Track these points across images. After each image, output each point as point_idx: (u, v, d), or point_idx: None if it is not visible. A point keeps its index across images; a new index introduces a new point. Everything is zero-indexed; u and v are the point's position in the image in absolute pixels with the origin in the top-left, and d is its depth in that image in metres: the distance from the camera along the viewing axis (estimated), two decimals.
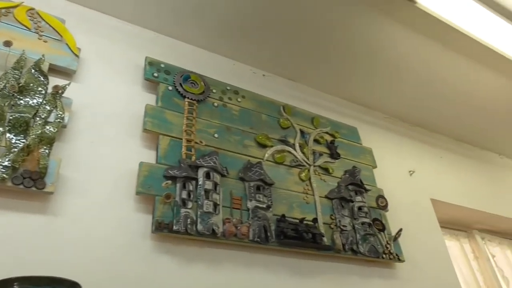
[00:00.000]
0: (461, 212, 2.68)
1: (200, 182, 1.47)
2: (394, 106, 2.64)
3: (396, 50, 2.16)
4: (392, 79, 2.39)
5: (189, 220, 1.36)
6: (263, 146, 1.82)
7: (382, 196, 2.06)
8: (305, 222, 1.66)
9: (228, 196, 1.55)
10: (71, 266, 1.15)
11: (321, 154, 2.03)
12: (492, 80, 2.42)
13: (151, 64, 1.69)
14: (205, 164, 1.51)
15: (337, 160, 2.07)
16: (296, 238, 1.58)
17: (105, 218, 1.29)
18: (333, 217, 1.82)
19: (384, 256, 1.82)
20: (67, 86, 1.35)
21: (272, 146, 1.84)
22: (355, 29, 2.01)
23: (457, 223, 2.84)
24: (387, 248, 1.87)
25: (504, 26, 1.99)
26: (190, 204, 1.41)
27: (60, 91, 1.34)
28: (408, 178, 2.47)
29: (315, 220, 1.72)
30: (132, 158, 1.44)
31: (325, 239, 1.70)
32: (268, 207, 1.59)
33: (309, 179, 1.88)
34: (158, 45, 1.85)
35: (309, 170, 1.91)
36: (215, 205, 1.46)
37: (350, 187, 1.98)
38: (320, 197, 1.85)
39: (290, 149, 1.91)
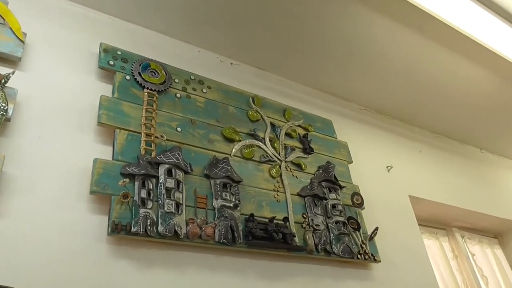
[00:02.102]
0: (441, 210, 2.76)
1: (161, 180, 1.47)
2: (371, 97, 2.68)
3: (373, 38, 2.19)
4: (369, 69, 2.43)
5: (149, 221, 1.36)
6: (230, 140, 1.82)
7: (357, 193, 2.08)
8: (275, 221, 1.67)
9: (192, 194, 1.55)
10: (12, 272, 1.13)
11: (293, 149, 2.03)
12: (474, 72, 2.48)
13: (107, 51, 1.67)
14: (167, 161, 1.51)
15: (310, 155, 2.08)
16: (266, 238, 1.59)
17: (54, 220, 1.27)
18: (305, 216, 1.84)
19: (359, 256, 1.85)
20: (10, 75, 1.33)
21: (240, 141, 1.85)
22: (329, 16, 2.03)
23: (436, 221, 2.92)
24: (362, 248, 1.89)
25: (486, 17, 2.03)
26: (150, 204, 1.40)
27: (2, 81, 1.31)
28: (385, 174, 2.51)
29: (286, 219, 1.73)
30: (85, 154, 1.43)
31: (296, 239, 1.71)
32: (236, 206, 1.60)
33: (280, 175, 1.89)
34: (114, 30, 1.83)
35: (280, 166, 1.92)
36: (178, 205, 1.46)
37: (323, 183, 2.00)
38: (292, 194, 1.87)
39: (260, 143, 1.92)
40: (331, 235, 1.84)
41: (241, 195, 1.69)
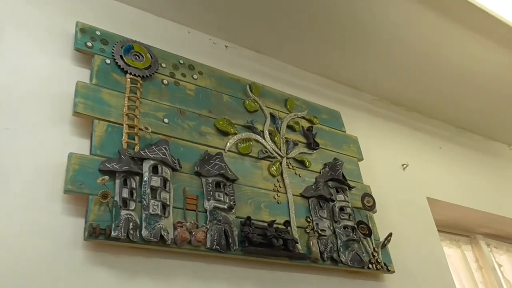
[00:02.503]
0: (463, 214, 2.76)
1: (145, 178, 1.47)
2: (385, 86, 2.68)
3: (388, 19, 2.19)
4: (383, 54, 2.42)
5: (131, 224, 1.35)
6: (225, 133, 1.83)
7: (369, 195, 2.08)
8: (275, 225, 1.67)
9: (181, 194, 1.55)
10: None
11: (296, 144, 2.04)
12: (504, 58, 2.48)
13: (84, 31, 1.67)
14: (152, 156, 1.51)
15: (315, 151, 2.09)
16: (264, 245, 1.59)
17: (22, 223, 1.26)
18: (309, 220, 1.84)
19: (370, 266, 1.86)
20: None
21: (235, 134, 1.85)
22: None
23: (458, 226, 2.93)
24: (374, 256, 1.89)
25: None
26: (132, 205, 1.40)
27: None
28: (400, 173, 2.52)
29: (287, 223, 1.73)
30: (59, 148, 1.42)
31: (299, 246, 1.71)
32: (230, 208, 1.60)
33: (281, 173, 1.90)
34: (92, 8, 1.83)
35: (281, 163, 1.93)
36: (164, 206, 1.46)
37: (330, 183, 2.00)
38: (294, 195, 1.87)
39: (258, 137, 1.93)
40: (339, 241, 1.85)
41: (237, 195, 1.69)
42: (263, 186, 1.81)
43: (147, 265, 1.40)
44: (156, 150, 1.53)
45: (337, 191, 1.99)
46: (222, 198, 1.61)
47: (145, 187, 1.45)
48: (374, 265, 1.87)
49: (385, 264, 1.92)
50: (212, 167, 1.66)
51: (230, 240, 1.54)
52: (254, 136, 1.92)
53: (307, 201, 1.90)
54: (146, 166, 1.49)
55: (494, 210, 2.81)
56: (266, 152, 1.92)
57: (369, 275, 1.92)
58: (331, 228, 1.87)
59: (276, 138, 1.99)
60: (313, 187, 1.95)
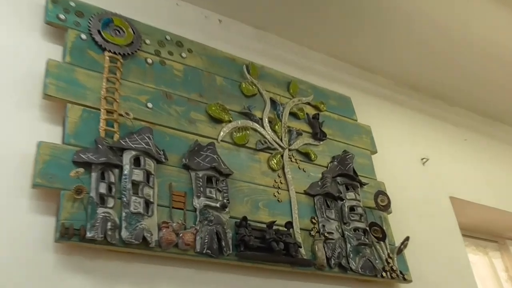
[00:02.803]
0: (491, 216, 2.77)
1: (125, 171, 1.47)
2: (403, 69, 2.66)
3: None
4: (401, 32, 2.41)
5: (109, 224, 1.35)
6: (218, 121, 1.83)
7: (383, 193, 2.08)
8: (275, 227, 1.67)
9: (167, 190, 1.55)
10: None
11: (299, 134, 2.04)
12: None
13: (56, 1, 1.66)
14: (134, 146, 1.50)
15: (322, 142, 2.09)
16: (262, 249, 1.60)
17: None
18: (314, 221, 1.85)
19: (384, 274, 1.86)
20: None
21: (230, 122, 1.86)
22: None
23: (485, 230, 2.94)
24: (388, 263, 1.90)
25: None
26: (111, 202, 1.40)
27: None
28: (419, 169, 2.51)
29: (289, 224, 1.74)
30: (27, 136, 1.41)
31: (302, 250, 1.72)
32: (223, 206, 1.60)
33: (283, 168, 1.91)
34: None
35: (282, 156, 1.93)
36: (148, 204, 1.46)
37: (339, 179, 2.01)
38: (298, 193, 1.88)
39: (256, 125, 1.93)
40: (348, 246, 1.85)
41: (231, 192, 1.69)
42: (261, 182, 1.82)
43: (128, 271, 1.40)
44: (138, 139, 1.53)
45: (347, 189, 1.99)
46: (214, 195, 1.61)
47: (126, 182, 1.46)
48: (388, 273, 1.87)
49: (401, 273, 1.92)
50: (202, 160, 1.66)
51: (223, 244, 1.54)
52: (251, 124, 1.92)
53: (312, 200, 1.91)
54: (127, 158, 1.49)
55: None
56: (266, 142, 1.91)
57: (383, 285, 1.92)
58: (340, 230, 1.87)
59: (277, 126, 1.99)
60: (319, 183, 1.95)
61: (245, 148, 1.86)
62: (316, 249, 1.74)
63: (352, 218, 1.91)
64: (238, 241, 1.58)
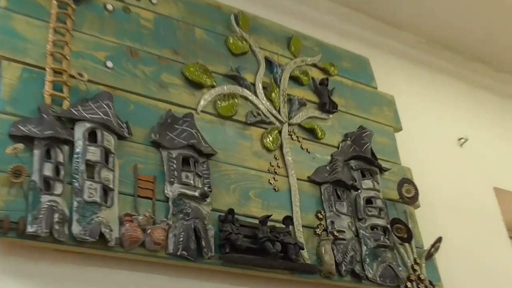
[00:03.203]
0: None
1: (78, 149, 1.44)
2: (435, 23, 2.64)
3: None
4: None
5: (56, 215, 1.30)
6: (197, 85, 1.80)
7: (409, 181, 2.05)
8: (270, 223, 1.64)
9: (131, 174, 1.52)
10: None
11: (303, 104, 2.01)
12: None
13: None
14: (88, 116, 1.47)
15: (331, 115, 2.06)
16: (254, 251, 1.57)
17: None
18: (321, 216, 1.82)
19: (409, 284, 1.83)
20: None
21: (213, 87, 1.83)
22: None
23: None
24: (414, 270, 1.87)
25: None
26: (59, 188, 1.36)
27: None
28: (456, 151, 2.49)
29: (288, 220, 1.71)
30: None
31: (305, 253, 1.69)
32: (204, 195, 1.57)
33: (280, 147, 1.88)
34: None
35: (280, 132, 1.90)
36: (106, 191, 1.43)
37: (353, 163, 1.98)
38: (300, 180, 1.86)
39: (247, 92, 1.90)
40: (364, 248, 1.83)
41: (213, 178, 1.66)
42: (253, 165, 1.80)
43: (80, 277, 1.39)
44: (94, 108, 1.50)
45: (363, 175, 1.97)
46: (191, 181, 1.58)
47: (78, 162, 1.43)
48: (414, 283, 1.85)
49: (430, 283, 1.89)
50: (177, 135, 1.63)
51: (203, 243, 1.51)
52: (240, 90, 1.89)
53: (318, 189, 1.89)
54: (80, 131, 1.46)
55: None
56: (259, 115, 1.89)
57: None
58: (353, 228, 1.85)
59: (273, 94, 1.96)
60: (327, 168, 1.93)
61: (232, 122, 1.83)
62: (323, 252, 1.72)
63: (369, 213, 1.89)
64: (222, 241, 1.55)
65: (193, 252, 1.48)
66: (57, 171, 1.38)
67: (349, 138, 2.05)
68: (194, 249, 1.48)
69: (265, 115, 1.90)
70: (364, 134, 2.05)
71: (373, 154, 2.03)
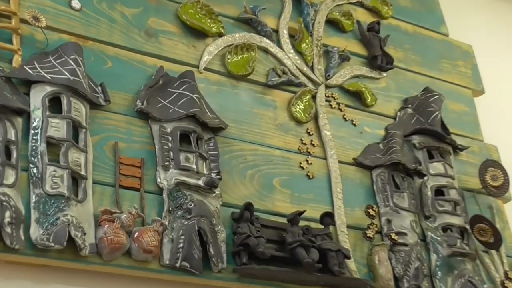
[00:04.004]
0: None
1: (36, 122, 1.33)
2: None
3: None
4: None
5: (8, 214, 1.20)
6: (199, 33, 1.67)
7: (495, 164, 1.91)
8: (303, 223, 1.53)
9: (110, 156, 1.41)
10: None
11: (345, 58, 1.87)
12: None
13: None
14: (49, 77, 1.37)
15: (385, 74, 1.94)
16: (281, 261, 1.46)
17: None
18: (373, 212, 1.69)
19: None
20: None
21: (220, 35, 1.69)
22: None
23: None
24: (505, 286, 1.76)
25: None
26: (10, 177, 1.26)
27: None
28: None
29: (328, 218, 1.56)
30: None
31: (352, 264, 1.58)
32: (211, 184, 1.44)
33: (315, 118, 1.75)
34: None
35: (314, 97, 1.76)
36: (76, 180, 1.33)
37: (416, 140, 1.85)
38: (342, 163, 1.73)
39: (267, 42, 1.76)
40: (434, 257, 1.70)
41: (224, 160, 1.53)
42: (277, 142, 1.66)
43: None
44: (57, 65, 1.40)
45: (431, 156, 1.83)
46: (193, 166, 1.45)
47: (36, 141, 1.33)
48: None
49: None
50: (172, 103, 1.51)
51: (211, 251, 1.38)
52: (258, 40, 1.74)
53: (368, 175, 1.76)
54: (38, 98, 1.36)
55: None
56: (284, 73, 1.73)
57: None
58: (418, 229, 1.72)
59: (304, 45, 1.80)
60: (380, 146, 1.81)
61: (247, 83, 1.69)
62: (376, 262, 1.58)
63: (440, 209, 1.75)
64: (237, 247, 1.41)
65: (197, 263, 1.35)
66: (7, 153, 1.27)
67: (410, 105, 1.94)
68: (199, 258, 1.35)
69: (293, 74, 1.75)
70: (431, 100, 1.93)
71: (444, 126, 1.89)
